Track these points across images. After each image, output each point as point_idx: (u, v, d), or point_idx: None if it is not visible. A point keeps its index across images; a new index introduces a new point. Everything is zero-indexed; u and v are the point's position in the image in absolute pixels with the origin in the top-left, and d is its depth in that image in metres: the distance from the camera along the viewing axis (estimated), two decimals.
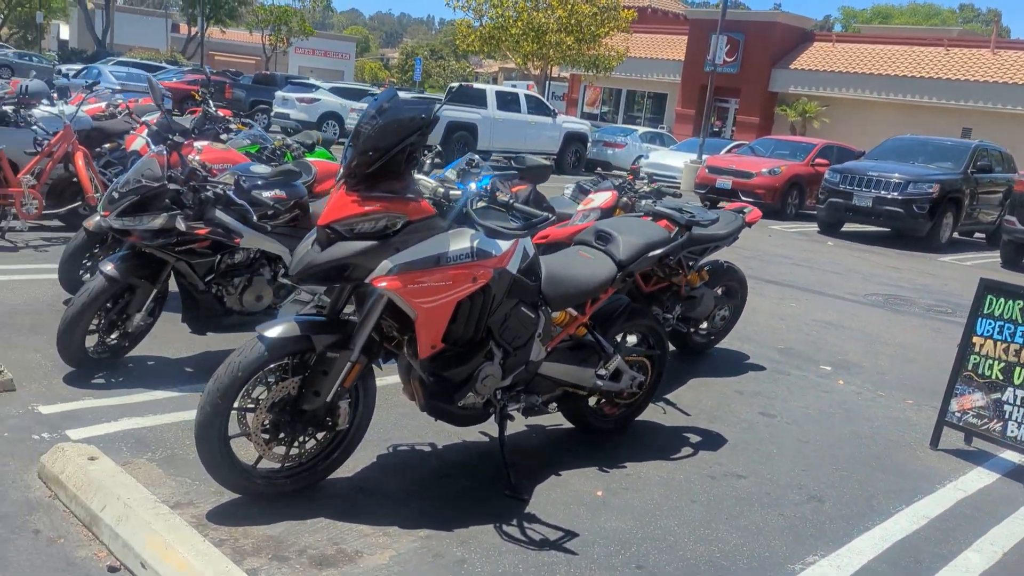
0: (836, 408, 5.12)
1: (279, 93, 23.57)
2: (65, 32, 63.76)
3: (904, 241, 13.89)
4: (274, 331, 3.08)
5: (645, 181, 5.47)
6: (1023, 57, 28.82)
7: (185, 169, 4.33)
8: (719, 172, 16.34)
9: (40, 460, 3.27)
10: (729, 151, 21.86)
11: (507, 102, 20.10)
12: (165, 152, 4.31)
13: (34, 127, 7.40)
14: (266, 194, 4.45)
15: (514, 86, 33.75)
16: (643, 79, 36.70)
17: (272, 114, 23.22)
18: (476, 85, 21.07)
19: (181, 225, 4.14)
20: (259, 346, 3.07)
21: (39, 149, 6.90)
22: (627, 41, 29.22)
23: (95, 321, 4.29)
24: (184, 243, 4.25)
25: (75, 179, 7.32)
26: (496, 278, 3.24)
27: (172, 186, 4.21)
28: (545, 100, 22.07)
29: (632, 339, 4.36)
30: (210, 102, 8.26)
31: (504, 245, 3.27)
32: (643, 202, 5.08)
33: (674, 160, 21.48)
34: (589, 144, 22.31)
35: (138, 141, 5.61)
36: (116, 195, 4.18)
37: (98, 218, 5.32)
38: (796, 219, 16.08)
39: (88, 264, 5.51)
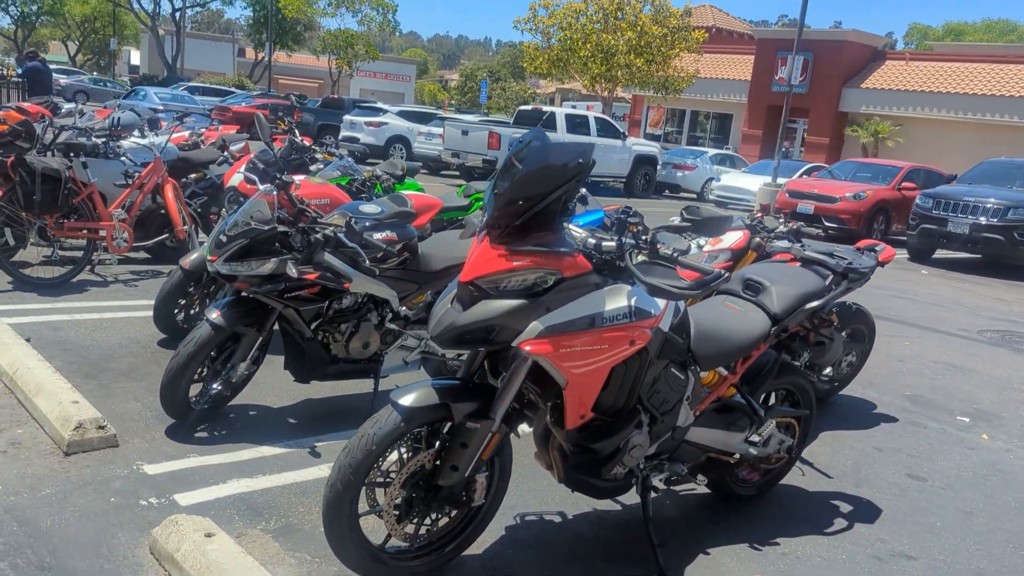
0: (989, 470, 4.64)
1: (347, 117, 23.61)
2: (136, 58, 65.65)
3: (1001, 269, 13.17)
4: (409, 399, 2.78)
5: (781, 220, 5.06)
6: None
7: (294, 210, 4.09)
8: (800, 196, 15.77)
9: (152, 534, 3.00)
10: (804, 174, 21.26)
11: (576, 125, 19.78)
12: (274, 192, 4.07)
13: (123, 159, 7.30)
14: (377, 236, 4.18)
15: (574, 107, 33.56)
16: (707, 99, 36.14)
17: (340, 137, 23.30)
18: (545, 108, 20.81)
19: (292, 271, 3.88)
20: (394, 416, 2.77)
21: (130, 182, 6.78)
22: (697, 62, 28.72)
23: (199, 371, 4.06)
24: (293, 289, 4.00)
25: (163, 211, 7.20)
26: (653, 339, 2.89)
27: (281, 228, 3.97)
28: (614, 122, 21.69)
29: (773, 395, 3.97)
30: (296, 131, 8.13)
31: (661, 302, 2.93)
32: (778, 243, 4.68)
33: (747, 183, 20.94)
34: (659, 167, 21.86)
35: (236, 177, 5.41)
36: (224, 239, 3.94)
37: (195, 255, 5.14)
38: None
39: (183, 303, 5.32)
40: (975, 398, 6.00)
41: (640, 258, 2.81)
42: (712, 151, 24.54)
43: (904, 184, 15.82)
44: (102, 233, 6.50)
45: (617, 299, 2.78)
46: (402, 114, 23.82)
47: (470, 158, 18.66)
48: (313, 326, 4.23)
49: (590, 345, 2.73)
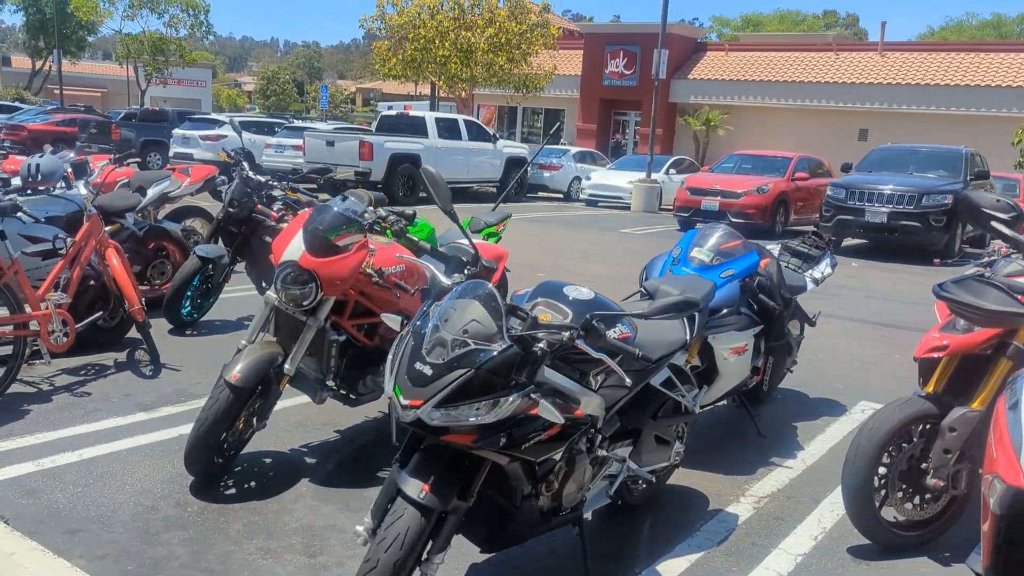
0: None
1: (177, 131, 21.02)
2: None
3: (911, 254, 13.35)
4: None
5: None
6: (910, 58, 29.81)
7: (502, 308, 2.70)
8: (703, 193, 15.42)
9: None
10: (672, 167, 21.23)
11: (447, 129, 18.56)
12: (488, 289, 2.65)
13: (20, 215, 5.34)
14: (612, 334, 2.88)
15: (390, 107, 32.20)
16: (538, 96, 35.78)
17: (172, 154, 20.70)
18: (414, 112, 19.39)
19: (551, 412, 2.51)
20: None
21: (61, 252, 4.91)
22: (554, 59, 28.13)
23: None
24: (526, 435, 2.61)
25: (92, 282, 5.38)
26: None
27: (516, 348, 2.57)
28: (483, 125, 20.61)
29: None
30: (244, 164, 6.46)
31: None
32: None
33: (617, 180, 20.58)
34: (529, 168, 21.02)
35: (295, 246, 3.67)
36: (427, 370, 2.49)
37: (241, 365, 3.60)
38: (785, 237, 15.35)
39: (226, 439, 3.69)
40: None
41: None
42: (574, 149, 24.03)
43: (797, 175, 15.88)
44: (34, 327, 4.63)
45: None
46: (242, 125, 21.50)
47: (339, 171, 16.95)
48: None
49: None
